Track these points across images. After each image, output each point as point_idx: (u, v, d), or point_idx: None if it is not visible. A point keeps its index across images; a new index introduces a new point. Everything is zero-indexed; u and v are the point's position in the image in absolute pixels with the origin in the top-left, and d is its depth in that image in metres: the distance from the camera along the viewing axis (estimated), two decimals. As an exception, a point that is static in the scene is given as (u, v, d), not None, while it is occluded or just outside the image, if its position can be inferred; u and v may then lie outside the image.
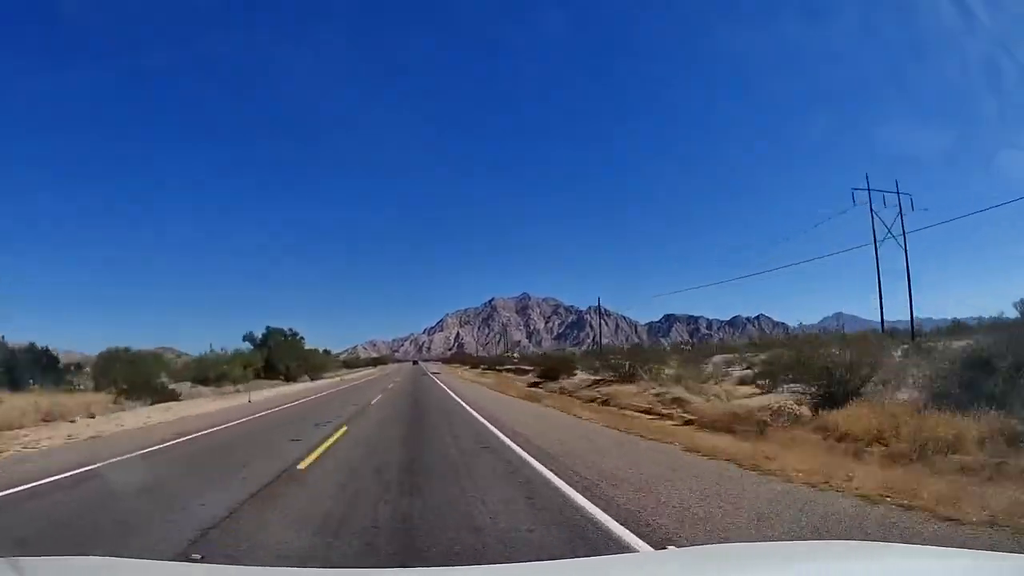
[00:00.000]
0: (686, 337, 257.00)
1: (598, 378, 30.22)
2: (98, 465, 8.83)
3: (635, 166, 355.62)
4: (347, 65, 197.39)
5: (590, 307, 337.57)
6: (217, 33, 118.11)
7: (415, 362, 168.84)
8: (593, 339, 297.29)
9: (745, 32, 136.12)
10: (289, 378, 49.19)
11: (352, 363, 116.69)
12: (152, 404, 22.67)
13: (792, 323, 27.94)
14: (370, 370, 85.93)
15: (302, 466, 8.55)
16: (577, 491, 6.35)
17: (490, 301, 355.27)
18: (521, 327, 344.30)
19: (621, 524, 5.04)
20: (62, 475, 8.06)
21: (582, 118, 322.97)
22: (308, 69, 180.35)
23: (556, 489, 6.58)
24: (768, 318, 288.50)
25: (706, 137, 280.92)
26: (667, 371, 25.90)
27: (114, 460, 9.41)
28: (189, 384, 32.13)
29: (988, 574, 1.85)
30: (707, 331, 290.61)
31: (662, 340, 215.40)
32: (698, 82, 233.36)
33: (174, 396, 25.63)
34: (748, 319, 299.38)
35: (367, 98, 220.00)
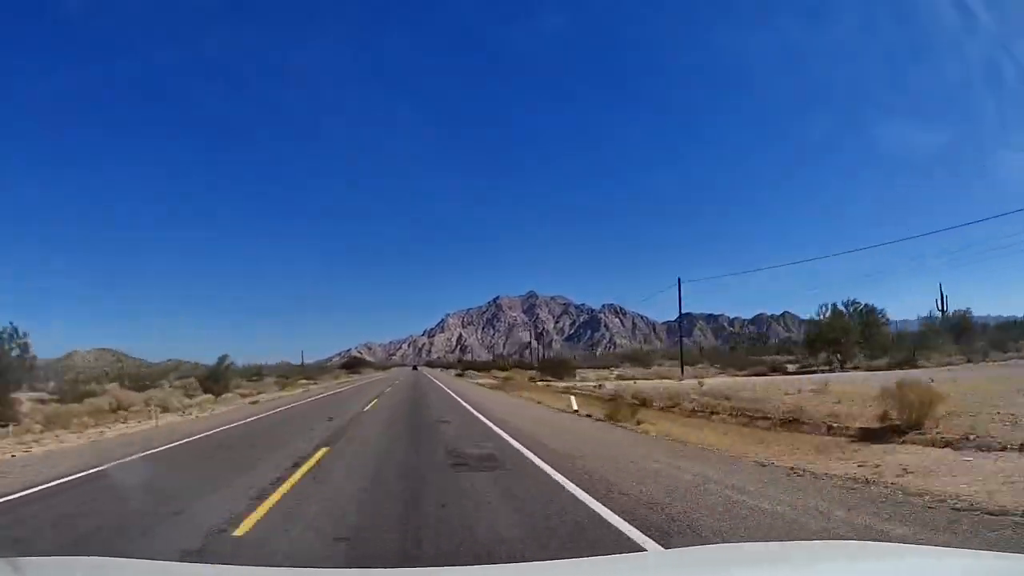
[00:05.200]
0: (709, 337, 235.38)
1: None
2: None
3: (641, 162, 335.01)
4: (348, 63, 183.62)
5: (603, 305, 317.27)
6: (217, 33, 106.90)
7: (415, 367, 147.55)
8: (609, 340, 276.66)
9: (745, 32, 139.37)
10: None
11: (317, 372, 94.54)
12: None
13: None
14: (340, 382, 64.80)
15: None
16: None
17: (495, 300, 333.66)
18: (529, 327, 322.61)
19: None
20: None
21: (588, 109, 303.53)
22: (308, 68, 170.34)
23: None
24: (793, 315, 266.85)
25: (712, 134, 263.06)
26: None
27: None
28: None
29: (988, 574, 1.83)
30: (731, 329, 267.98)
31: (685, 340, 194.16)
32: (700, 79, 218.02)
33: None
34: (773, 316, 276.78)
35: (365, 92, 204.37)
